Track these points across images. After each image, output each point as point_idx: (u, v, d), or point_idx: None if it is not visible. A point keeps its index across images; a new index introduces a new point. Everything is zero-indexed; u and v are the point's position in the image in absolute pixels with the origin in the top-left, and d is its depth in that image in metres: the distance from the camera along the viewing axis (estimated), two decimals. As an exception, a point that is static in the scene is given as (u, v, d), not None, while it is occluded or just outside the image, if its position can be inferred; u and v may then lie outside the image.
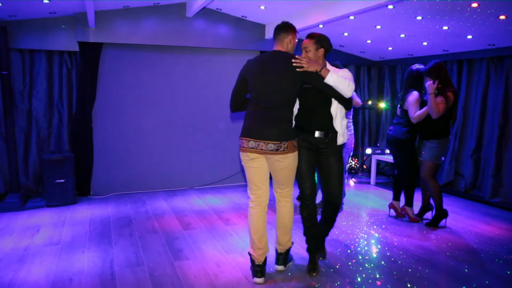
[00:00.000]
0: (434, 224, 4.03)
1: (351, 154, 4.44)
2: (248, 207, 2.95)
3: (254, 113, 2.85)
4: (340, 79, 2.73)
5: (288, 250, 3.04)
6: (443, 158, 4.08)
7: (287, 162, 2.82)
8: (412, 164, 4.08)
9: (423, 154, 4.02)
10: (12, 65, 4.74)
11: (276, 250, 3.05)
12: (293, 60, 2.72)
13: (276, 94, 2.77)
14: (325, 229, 3.21)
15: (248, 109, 2.93)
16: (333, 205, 3.05)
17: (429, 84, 3.78)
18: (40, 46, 4.76)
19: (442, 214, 4.02)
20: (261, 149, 2.77)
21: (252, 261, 2.88)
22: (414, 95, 3.94)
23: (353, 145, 4.52)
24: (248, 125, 2.86)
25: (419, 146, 4.09)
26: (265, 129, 2.77)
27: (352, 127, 4.43)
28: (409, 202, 4.19)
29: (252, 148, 2.80)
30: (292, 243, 3.10)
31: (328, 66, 2.94)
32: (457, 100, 3.89)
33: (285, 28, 2.86)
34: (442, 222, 4.10)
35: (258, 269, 2.86)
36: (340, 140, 2.96)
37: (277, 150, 2.75)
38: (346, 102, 2.89)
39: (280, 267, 3.02)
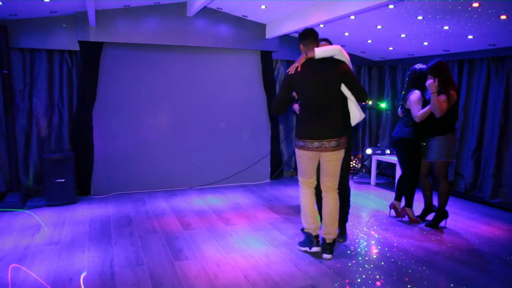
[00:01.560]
0: (434, 224, 4.03)
1: None
2: (300, 188, 3.36)
3: (309, 115, 3.17)
4: (323, 48, 3.15)
5: (335, 240, 3.32)
6: (454, 157, 4.03)
7: (341, 155, 3.21)
8: (413, 165, 4.07)
9: (430, 155, 3.98)
10: (13, 65, 4.74)
11: (325, 240, 3.27)
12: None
13: (324, 94, 3.13)
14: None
15: (302, 112, 3.26)
16: None
17: (430, 83, 3.77)
18: (40, 45, 4.76)
19: (443, 214, 4.02)
20: (325, 147, 3.12)
21: (308, 234, 3.31)
22: (416, 94, 3.94)
23: None
24: (309, 127, 3.16)
25: (425, 146, 4.06)
26: (326, 129, 3.11)
27: None
28: (409, 203, 4.18)
29: (317, 147, 3.13)
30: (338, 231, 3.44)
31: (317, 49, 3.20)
32: (458, 98, 3.89)
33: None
34: (442, 223, 4.09)
35: (315, 240, 3.30)
36: None
37: (337, 146, 3.13)
38: (359, 94, 3.24)
39: (329, 256, 3.25)
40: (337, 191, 3.30)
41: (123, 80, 5.16)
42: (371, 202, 5.01)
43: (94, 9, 4.20)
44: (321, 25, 4.87)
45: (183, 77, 5.48)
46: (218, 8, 5.22)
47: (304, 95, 3.17)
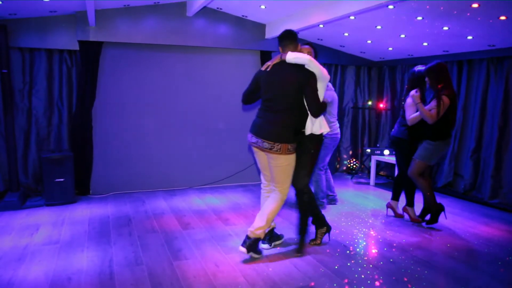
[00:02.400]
0: (433, 220, 4.01)
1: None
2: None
3: (261, 113, 3.26)
4: (296, 54, 3.11)
5: (255, 240, 3.18)
6: (433, 162, 3.97)
7: (279, 162, 3.16)
8: (408, 164, 4.09)
9: (416, 153, 3.99)
10: (12, 64, 4.73)
11: (247, 234, 3.21)
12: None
13: (279, 98, 3.14)
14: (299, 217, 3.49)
15: (259, 108, 3.33)
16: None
17: (412, 94, 3.84)
18: (40, 44, 4.76)
19: (438, 209, 3.99)
20: (259, 146, 3.19)
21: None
22: (415, 96, 3.94)
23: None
24: (255, 123, 3.27)
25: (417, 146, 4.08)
26: (265, 128, 3.16)
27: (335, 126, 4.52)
28: (410, 202, 4.19)
29: (253, 143, 3.24)
30: (261, 238, 3.25)
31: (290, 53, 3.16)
32: (454, 104, 3.78)
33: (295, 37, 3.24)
34: (442, 217, 4.04)
35: (265, 238, 3.40)
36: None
37: (270, 149, 3.12)
38: (311, 109, 3.16)
39: (242, 249, 3.16)
40: (281, 195, 3.24)
41: (122, 79, 5.16)
42: (370, 202, 5.02)
43: (93, 9, 4.20)
44: (321, 25, 4.87)
45: (183, 77, 5.47)
46: (218, 8, 5.22)
47: (263, 94, 3.25)
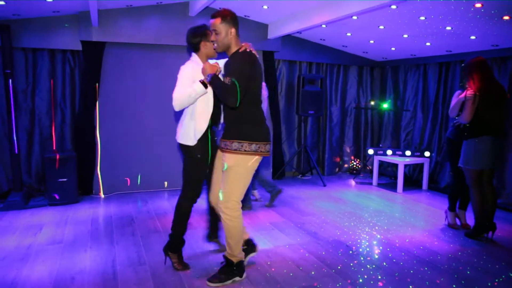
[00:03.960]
0: (473, 235, 3.77)
1: None
2: (237, 213, 2.84)
3: (262, 114, 2.81)
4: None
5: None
6: (477, 165, 3.58)
7: None
8: (455, 166, 3.93)
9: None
10: (15, 64, 4.75)
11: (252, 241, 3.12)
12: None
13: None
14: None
15: (254, 111, 2.73)
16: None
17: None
18: (43, 45, 4.77)
19: (480, 227, 3.72)
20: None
21: (241, 262, 2.87)
22: (456, 93, 3.83)
23: None
24: (265, 129, 2.77)
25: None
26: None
27: None
28: (451, 207, 4.06)
29: (268, 151, 2.80)
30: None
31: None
32: (485, 99, 3.51)
33: None
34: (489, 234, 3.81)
35: (244, 265, 2.92)
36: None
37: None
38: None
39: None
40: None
41: (125, 80, 5.16)
42: (373, 202, 5.01)
43: (96, 9, 4.21)
44: (324, 26, 4.87)
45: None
46: (220, 8, 5.20)
47: (258, 89, 2.72)
